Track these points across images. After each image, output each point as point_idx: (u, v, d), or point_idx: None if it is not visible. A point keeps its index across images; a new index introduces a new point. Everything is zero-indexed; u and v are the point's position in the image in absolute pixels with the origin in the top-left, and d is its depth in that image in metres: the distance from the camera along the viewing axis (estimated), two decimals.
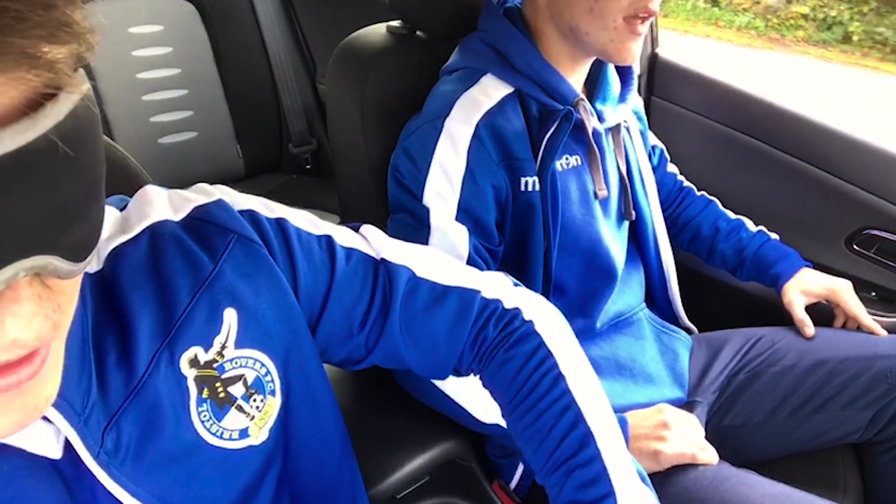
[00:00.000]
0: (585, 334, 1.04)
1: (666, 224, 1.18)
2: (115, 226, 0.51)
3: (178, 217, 0.52)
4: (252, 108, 1.91)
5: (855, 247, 1.28)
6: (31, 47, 0.28)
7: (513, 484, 1.00)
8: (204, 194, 0.55)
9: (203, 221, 0.53)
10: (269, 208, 0.58)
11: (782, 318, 1.15)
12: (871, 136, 1.25)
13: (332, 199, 1.35)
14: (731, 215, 1.24)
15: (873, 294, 1.28)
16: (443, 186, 0.90)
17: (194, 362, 0.50)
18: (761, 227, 1.22)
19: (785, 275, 1.15)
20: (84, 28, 0.31)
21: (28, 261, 0.31)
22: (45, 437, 0.43)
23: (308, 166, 1.99)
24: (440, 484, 0.90)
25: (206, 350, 0.50)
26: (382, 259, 0.64)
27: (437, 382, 0.90)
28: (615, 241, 1.05)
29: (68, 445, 0.44)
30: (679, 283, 1.17)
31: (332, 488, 0.60)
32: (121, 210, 0.54)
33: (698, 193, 1.28)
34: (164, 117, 1.79)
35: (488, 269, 0.94)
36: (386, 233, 0.69)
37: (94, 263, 0.49)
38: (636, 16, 0.88)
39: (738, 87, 1.37)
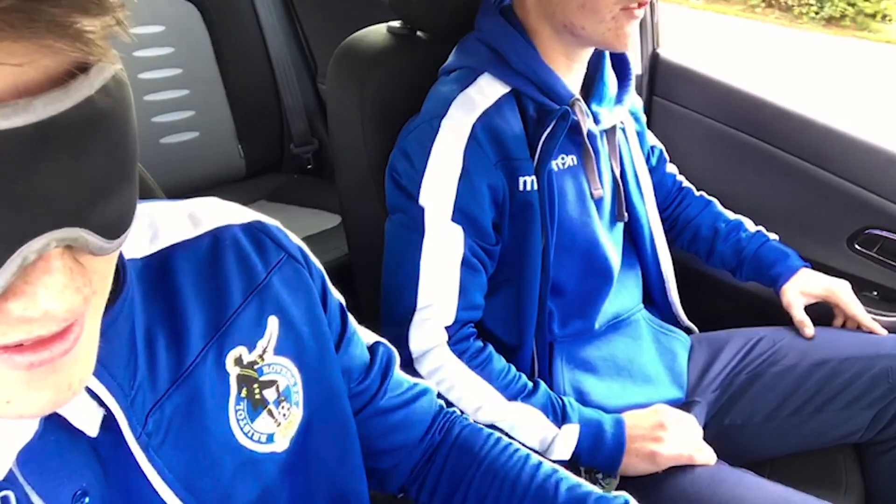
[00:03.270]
0: (583, 335, 1.04)
1: (665, 224, 1.18)
2: (183, 222, 0.54)
3: (239, 221, 0.56)
4: (253, 108, 1.91)
5: (856, 246, 1.28)
6: (62, 16, 0.29)
7: None
8: (268, 217, 0.60)
9: (262, 232, 0.57)
10: (315, 259, 0.63)
11: (783, 317, 1.15)
12: (873, 136, 1.25)
13: (333, 199, 1.35)
14: (731, 215, 1.24)
15: (875, 293, 1.28)
16: (439, 186, 0.90)
17: (238, 361, 0.52)
18: (760, 228, 1.22)
19: (784, 275, 1.15)
20: (115, 3, 0.32)
21: (60, 231, 0.32)
22: (87, 413, 0.44)
23: (309, 166, 1.98)
24: None
25: (250, 351, 0.53)
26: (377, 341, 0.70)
27: (430, 382, 0.91)
28: (611, 242, 1.05)
29: (105, 424, 0.45)
30: (679, 283, 1.17)
31: None
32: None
33: (697, 193, 1.27)
34: (166, 117, 1.79)
35: (485, 268, 0.95)
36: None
37: (143, 248, 0.51)
38: (629, 6, 0.88)
39: (739, 86, 1.37)
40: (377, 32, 1.12)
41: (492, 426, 0.89)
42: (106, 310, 0.43)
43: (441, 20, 1.05)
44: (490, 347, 0.95)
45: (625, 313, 1.10)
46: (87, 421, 0.44)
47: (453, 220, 0.90)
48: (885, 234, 1.24)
